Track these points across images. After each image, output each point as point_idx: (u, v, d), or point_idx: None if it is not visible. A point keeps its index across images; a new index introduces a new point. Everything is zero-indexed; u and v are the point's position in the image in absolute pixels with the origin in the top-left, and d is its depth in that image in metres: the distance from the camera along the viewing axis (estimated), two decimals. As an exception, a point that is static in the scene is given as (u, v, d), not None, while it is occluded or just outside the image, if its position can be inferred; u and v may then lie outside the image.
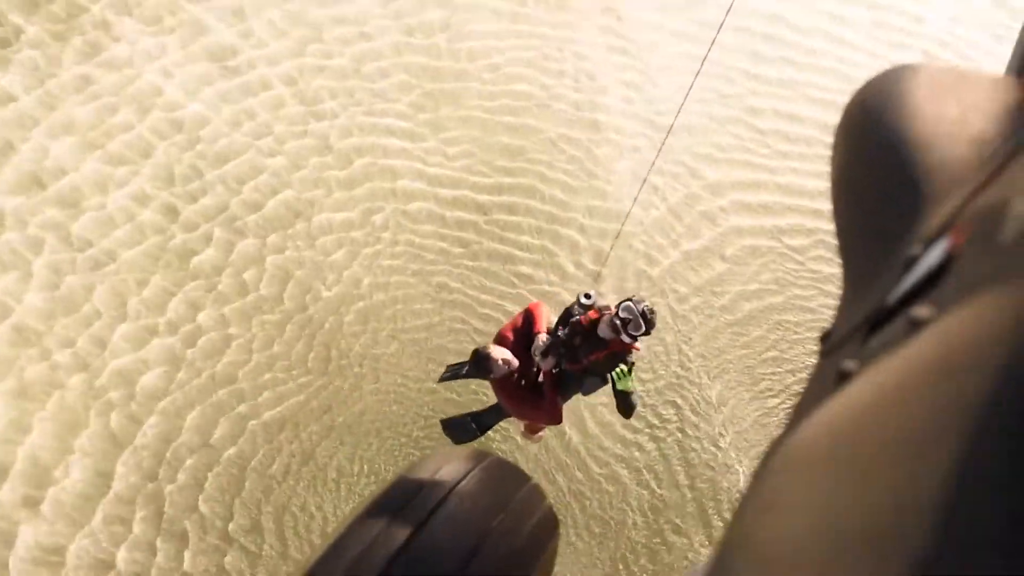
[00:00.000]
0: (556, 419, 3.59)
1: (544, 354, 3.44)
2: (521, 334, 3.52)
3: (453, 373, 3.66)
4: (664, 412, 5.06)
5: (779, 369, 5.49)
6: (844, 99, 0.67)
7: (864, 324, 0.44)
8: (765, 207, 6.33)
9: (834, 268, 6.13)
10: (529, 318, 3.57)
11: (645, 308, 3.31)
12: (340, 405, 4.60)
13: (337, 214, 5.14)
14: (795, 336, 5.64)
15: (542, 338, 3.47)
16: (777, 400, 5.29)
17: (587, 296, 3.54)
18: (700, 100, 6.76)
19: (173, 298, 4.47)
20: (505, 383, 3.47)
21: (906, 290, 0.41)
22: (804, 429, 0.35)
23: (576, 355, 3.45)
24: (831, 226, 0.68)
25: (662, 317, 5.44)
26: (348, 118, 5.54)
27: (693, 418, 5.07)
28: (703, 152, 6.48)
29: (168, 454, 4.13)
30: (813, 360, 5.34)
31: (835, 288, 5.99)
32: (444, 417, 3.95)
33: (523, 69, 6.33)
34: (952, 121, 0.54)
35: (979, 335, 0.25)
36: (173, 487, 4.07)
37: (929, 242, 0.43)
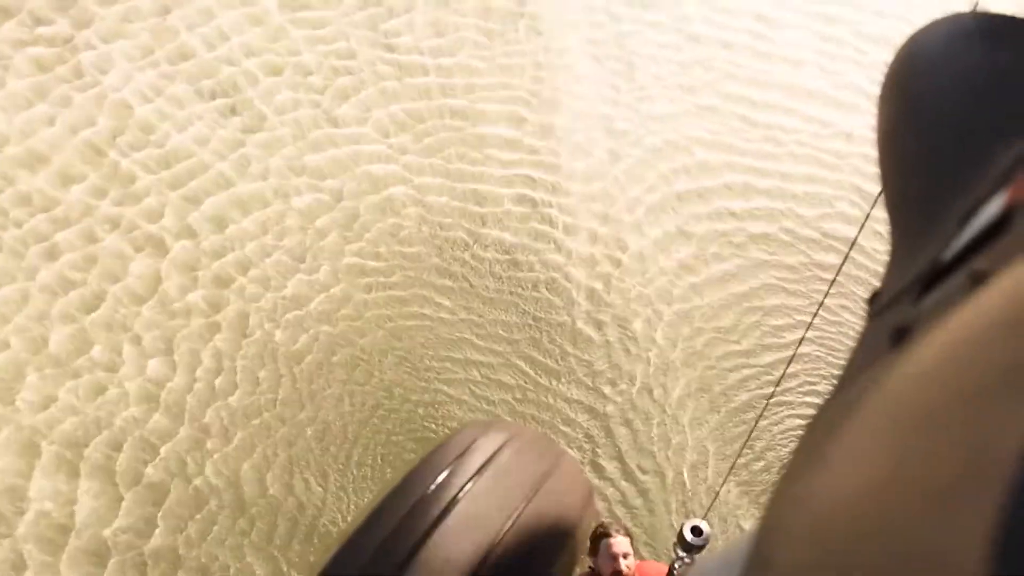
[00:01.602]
0: None
1: None
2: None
3: None
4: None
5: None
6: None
7: (917, 282, 0.42)
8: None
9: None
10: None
11: None
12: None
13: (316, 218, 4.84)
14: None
15: None
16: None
17: (696, 532, 2.42)
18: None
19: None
20: None
21: (963, 246, 0.38)
22: (863, 386, 0.33)
23: None
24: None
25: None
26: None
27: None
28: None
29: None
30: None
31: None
32: None
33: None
34: (1007, 69, 0.52)
35: None
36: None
37: (986, 196, 0.40)
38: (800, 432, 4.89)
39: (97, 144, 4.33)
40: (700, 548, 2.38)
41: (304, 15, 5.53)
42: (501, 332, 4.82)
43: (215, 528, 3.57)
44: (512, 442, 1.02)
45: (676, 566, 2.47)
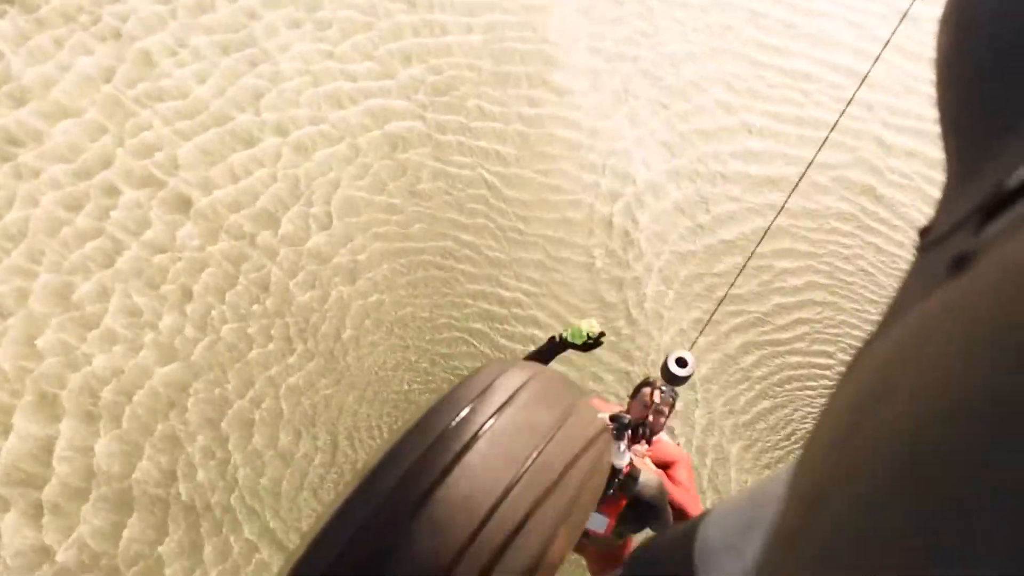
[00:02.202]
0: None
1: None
2: None
3: None
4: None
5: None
6: None
7: (978, 210, 0.38)
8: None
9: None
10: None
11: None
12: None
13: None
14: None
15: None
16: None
17: (681, 363, 2.30)
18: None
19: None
20: None
21: None
22: (923, 314, 0.31)
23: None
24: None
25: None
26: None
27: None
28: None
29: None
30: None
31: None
32: None
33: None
34: None
35: None
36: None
37: None
38: (805, 380, 4.75)
39: (94, 78, 4.10)
40: (684, 380, 2.29)
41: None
42: (530, 273, 4.60)
43: (200, 471, 3.38)
44: (532, 382, 0.99)
45: (656, 398, 2.36)
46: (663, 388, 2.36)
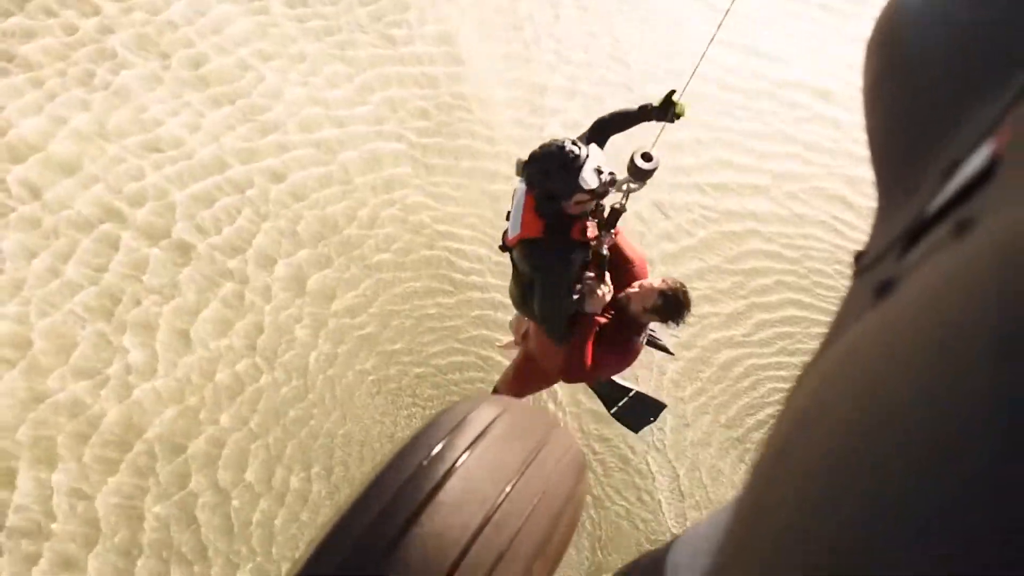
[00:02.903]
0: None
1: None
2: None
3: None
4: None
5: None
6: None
7: (902, 237, 0.39)
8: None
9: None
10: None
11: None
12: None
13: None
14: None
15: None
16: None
17: (646, 157, 2.33)
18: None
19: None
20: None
21: (948, 198, 0.36)
22: (850, 339, 0.32)
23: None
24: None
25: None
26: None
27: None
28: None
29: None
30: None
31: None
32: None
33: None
34: (999, 20, 0.45)
35: None
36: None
37: (971, 147, 0.38)
38: (784, 382, 4.58)
39: (66, 115, 3.96)
40: (650, 173, 2.27)
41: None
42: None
43: (165, 507, 3.15)
44: (505, 415, 0.97)
45: (622, 202, 2.39)
46: (631, 183, 2.40)
